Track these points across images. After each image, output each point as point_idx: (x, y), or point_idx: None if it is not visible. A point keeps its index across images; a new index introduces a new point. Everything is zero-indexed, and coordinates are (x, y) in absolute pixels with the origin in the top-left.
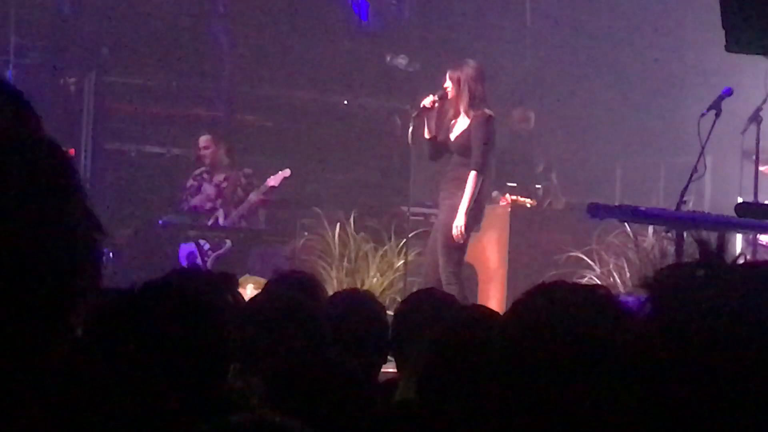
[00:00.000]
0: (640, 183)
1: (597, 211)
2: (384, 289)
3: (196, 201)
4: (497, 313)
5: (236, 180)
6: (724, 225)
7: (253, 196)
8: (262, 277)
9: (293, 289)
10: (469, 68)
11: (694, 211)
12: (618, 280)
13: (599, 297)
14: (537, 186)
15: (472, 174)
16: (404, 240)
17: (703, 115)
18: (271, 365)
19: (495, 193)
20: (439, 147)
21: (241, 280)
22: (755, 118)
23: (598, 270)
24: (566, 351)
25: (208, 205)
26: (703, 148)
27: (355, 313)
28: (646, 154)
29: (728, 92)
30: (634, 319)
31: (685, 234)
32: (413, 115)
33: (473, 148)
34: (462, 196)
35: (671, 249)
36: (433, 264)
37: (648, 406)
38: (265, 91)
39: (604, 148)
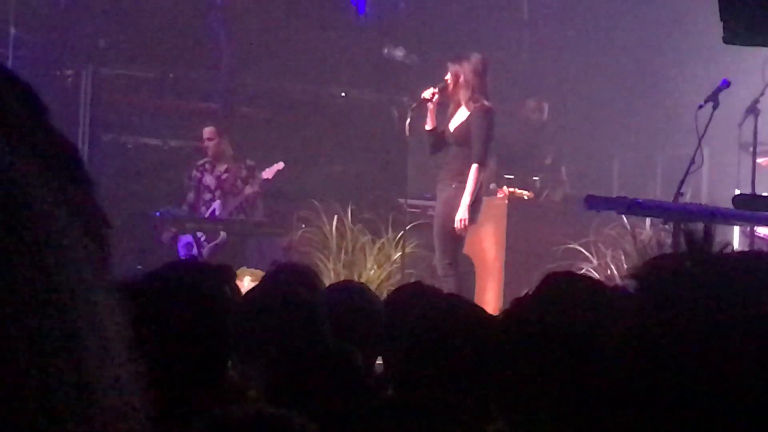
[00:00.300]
0: (637, 175)
1: (594, 203)
2: (381, 282)
3: (191, 199)
4: (479, 307)
5: (237, 172)
6: (722, 217)
7: (248, 189)
8: (259, 269)
9: (290, 281)
10: (470, 60)
11: (691, 203)
12: (615, 272)
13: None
14: (534, 178)
15: (474, 167)
16: (401, 232)
17: (700, 107)
18: (269, 357)
19: (492, 186)
20: (440, 139)
21: (238, 272)
22: (753, 109)
23: (595, 262)
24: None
25: (207, 197)
26: (700, 140)
27: (349, 305)
28: (643, 146)
29: (726, 84)
30: (622, 311)
31: (682, 226)
32: (412, 106)
33: (473, 141)
34: (457, 188)
35: (668, 241)
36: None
37: (635, 394)
38: (262, 84)
39: (601, 141)
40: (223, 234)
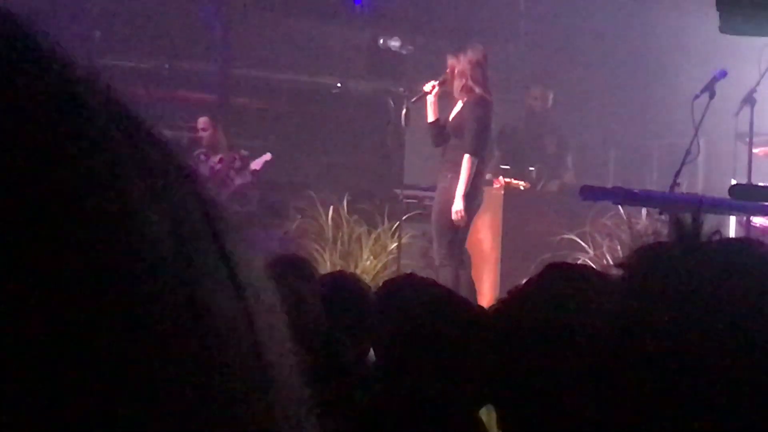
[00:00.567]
0: (633, 165)
1: (591, 193)
2: (377, 272)
3: None
4: (467, 301)
5: (230, 162)
6: (718, 207)
7: (238, 180)
8: None
9: (286, 272)
10: (469, 52)
11: (687, 193)
12: (611, 263)
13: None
14: (531, 168)
15: (466, 157)
16: (397, 223)
17: (696, 97)
18: None
19: (488, 176)
20: (442, 132)
21: None
22: (749, 99)
23: (591, 252)
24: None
25: None
26: (696, 130)
27: (341, 296)
28: (639, 136)
29: (722, 74)
30: (610, 299)
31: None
32: (414, 100)
33: (467, 132)
34: (453, 179)
35: (664, 231)
36: None
37: (621, 380)
38: (257, 74)
39: (597, 131)
40: None
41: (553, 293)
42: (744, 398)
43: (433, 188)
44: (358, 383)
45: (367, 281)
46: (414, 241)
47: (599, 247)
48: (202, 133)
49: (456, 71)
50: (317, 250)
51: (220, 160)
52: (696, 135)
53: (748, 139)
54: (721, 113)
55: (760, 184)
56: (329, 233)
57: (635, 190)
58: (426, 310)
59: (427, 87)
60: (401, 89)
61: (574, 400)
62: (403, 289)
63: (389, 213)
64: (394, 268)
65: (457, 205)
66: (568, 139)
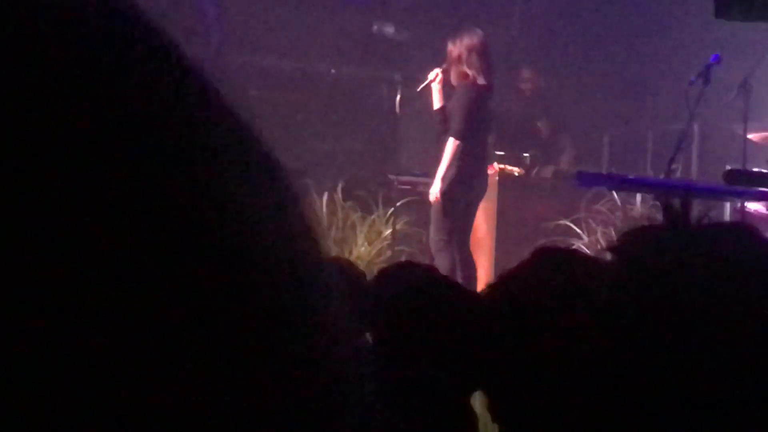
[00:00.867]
0: (627, 151)
1: (585, 179)
2: (372, 258)
3: None
4: (460, 286)
5: None
6: (713, 193)
7: None
8: None
9: None
10: (465, 37)
11: (682, 179)
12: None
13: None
14: (525, 154)
15: (450, 140)
16: (392, 209)
17: (691, 82)
18: None
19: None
20: (446, 118)
21: None
22: (744, 85)
23: (586, 238)
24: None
25: None
26: (690, 116)
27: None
28: (633, 121)
29: (716, 59)
30: (600, 282)
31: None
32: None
33: (453, 116)
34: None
35: (659, 217)
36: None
37: (610, 364)
38: (251, 61)
39: (591, 116)
40: None
41: (542, 277)
42: (731, 376)
43: (427, 174)
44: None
45: (361, 267)
46: (408, 227)
47: (594, 233)
48: None
49: (453, 57)
50: None
51: None
52: (690, 121)
53: (742, 124)
54: (715, 99)
55: (755, 169)
56: (324, 219)
57: (630, 176)
58: (417, 294)
59: (431, 75)
60: (396, 76)
61: (564, 384)
62: (398, 275)
63: (384, 199)
64: (388, 254)
65: (434, 187)
66: (563, 121)
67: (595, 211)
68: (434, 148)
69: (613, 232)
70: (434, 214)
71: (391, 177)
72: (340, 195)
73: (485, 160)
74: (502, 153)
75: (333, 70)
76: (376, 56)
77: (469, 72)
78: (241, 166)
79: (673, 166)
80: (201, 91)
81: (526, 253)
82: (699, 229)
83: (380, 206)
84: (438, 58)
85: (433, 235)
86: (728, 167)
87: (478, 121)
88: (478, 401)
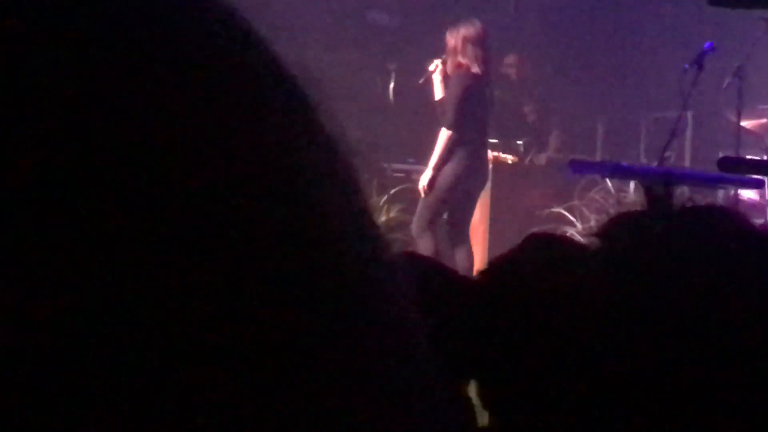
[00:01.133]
0: (621, 138)
1: (579, 167)
2: None
3: None
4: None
5: None
6: (707, 180)
7: None
8: None
9: None
10: (462, 28)
11: (675, 167)
12: None
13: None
14: (518, 142)
15: (442, 130)
16: (386, 197)
17: (685, 70)
18: None
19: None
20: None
21: None
22: (737, 73)
23: (579, 226)
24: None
25: None
26: (684, 103)
27: None
28: (627, 109)
29: (710, 47)
30: (586, 268)
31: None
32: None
33: (446, 106)
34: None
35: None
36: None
37: (596, 350)
38: None
39: (585, 104)
40: None
41: (531, 263)
42: (713, 359)
43: (421, 162)
44: None
45: None
46: (402, 215)
47: (587, 221)
48: None
49: (450, 47)
50: None
51: None
52: (684, 108)
53: (736, 112)
54: (709, 86)
55: (748, 156)
56: None
57: (624, 164)
58: (425, 289)
59: (431, 67)
60: (389, 64)
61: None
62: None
63: (378, 187)
64: None
65: (423, 177)
66: (550, 107)
67: (589, 198)
68: (430, 136)
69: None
70: (421, 201)
71: (385, 165)
72: None
73: (483, 150)
74: (495, 141)
75: (326, 58)
76: (369, 44)
77: (464, 62)
78: (325, 161)
79: (667, 154)
80: (291, 84)
81: (519, 240)
82: (680, 213)
83: (374, 194)
84: (432, 46)
85: (415, 221)
86: (721, 154)
87: (472, 111)
88: (473, 387)
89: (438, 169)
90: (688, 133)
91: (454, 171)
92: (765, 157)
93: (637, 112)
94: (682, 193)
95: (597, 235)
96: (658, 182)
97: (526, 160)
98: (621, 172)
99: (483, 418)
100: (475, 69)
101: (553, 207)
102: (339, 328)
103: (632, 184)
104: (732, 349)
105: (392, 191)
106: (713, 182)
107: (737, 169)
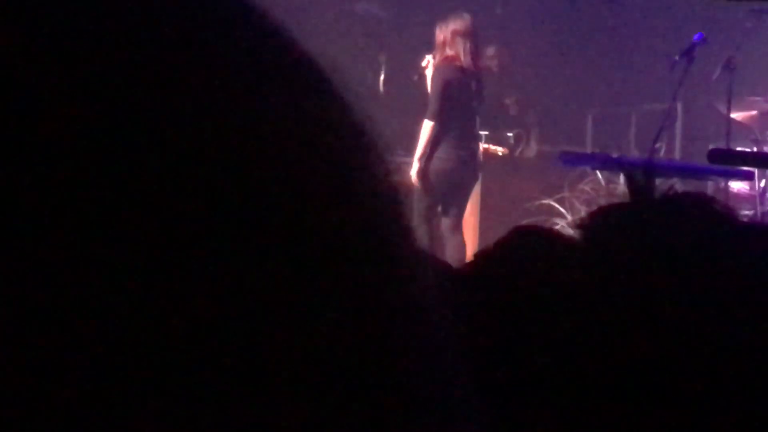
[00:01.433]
0: (611, 130)
1: (569, 159)
2: None
3: None
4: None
5: None
6: (696, 172)
7: None
8: None
9: None
10: (450, 22)
11: (666, 159)
12: None
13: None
14: (508, 134)
15: (425, 122)
16: None
17: (675, 61)
18: None
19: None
20: None
21: None
22: (727, 64)
23: (569, 218)
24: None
25: None
26: (674, 95)
27: None
28: (617, 101)
29: (701, 38)
30: (569, 260)
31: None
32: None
33: (429, 97)
34: None
35: None
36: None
37: (579, 342)
38: None
39: (575, 96)
40: None
41: (515, 255)
42: (697, 350)
43: (409, 155)
44: None
45: None
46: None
47: (577, 213)
48: None
49: (439, 41)
50: None
51: None
52: (674, 100)
53: (726, 104)
54: (699, 78)
55: (738, 148)
56: None
57: (614, 156)
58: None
59: (423, 62)
60: (380, 56)
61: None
62: None
63: None
64: None
65: (412, 169)
66: (530, 98)
67: (579, 190)
68: (420, 129)
69: None
70: (414, 194)
71: None
72: None
73: (473, 142)
74: (485, 132)
75: (315, 49)
76: (360, 36)
77: (451, 53)
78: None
79: (657, 146)
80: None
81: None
82: (660, 203)
83: None
84: (423, 38)
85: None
86: (711, 146)
87: (455, 103)
88: None
89: (423, 160)
90: (678, 125)
91: (441, 163)
92: (755, 149)
93: (627, 103)
94: (668, 183)
95: (579, 226)
96: (639, 171)
97: (516, 152)
98: (612, 164)
99: None
100: (463, 61)
101: (543, 199)
102: (403, 338)
103: (622, 176)
104: (716, 338)
105: None
106: (703, 174)
107: (727, 161)
